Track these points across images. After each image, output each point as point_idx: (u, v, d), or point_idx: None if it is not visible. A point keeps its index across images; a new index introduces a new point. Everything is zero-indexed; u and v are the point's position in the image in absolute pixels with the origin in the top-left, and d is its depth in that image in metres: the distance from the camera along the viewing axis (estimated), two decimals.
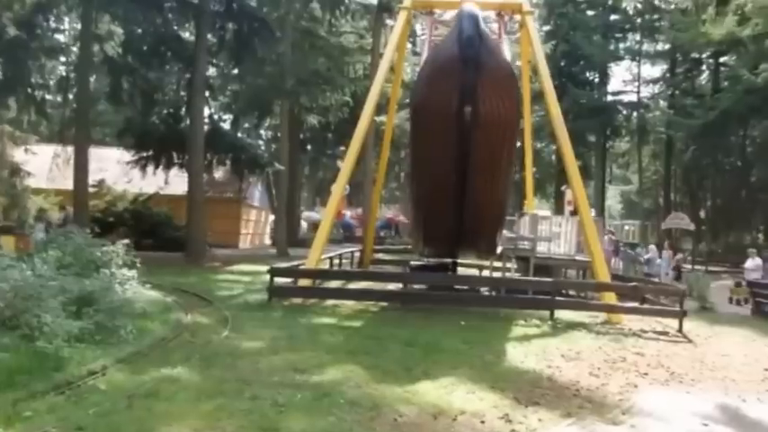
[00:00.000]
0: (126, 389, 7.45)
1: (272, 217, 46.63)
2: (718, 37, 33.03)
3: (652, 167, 55.01)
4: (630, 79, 52.06)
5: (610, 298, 15.42)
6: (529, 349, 11.37)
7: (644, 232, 49.01)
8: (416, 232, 19.27)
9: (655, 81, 51.18)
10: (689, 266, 30.60)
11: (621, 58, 49.91)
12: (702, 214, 50.16)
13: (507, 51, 24.34)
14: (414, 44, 37.49)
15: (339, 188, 18.18)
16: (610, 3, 48.26)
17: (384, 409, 7.31)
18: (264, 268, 22.96)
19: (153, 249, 24.48)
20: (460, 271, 20.87)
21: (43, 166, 31.61)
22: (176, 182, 31.06)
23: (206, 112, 28.26)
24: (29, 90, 26.91)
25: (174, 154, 28.65)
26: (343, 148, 52.48)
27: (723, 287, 24.17)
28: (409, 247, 40.12)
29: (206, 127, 27.07)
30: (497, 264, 22.20)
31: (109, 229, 24.65)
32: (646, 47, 49.90)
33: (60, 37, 33.63)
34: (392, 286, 17.45)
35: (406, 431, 6.77)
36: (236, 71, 32.51)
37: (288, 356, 9.58)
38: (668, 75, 49.38)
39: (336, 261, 22.67)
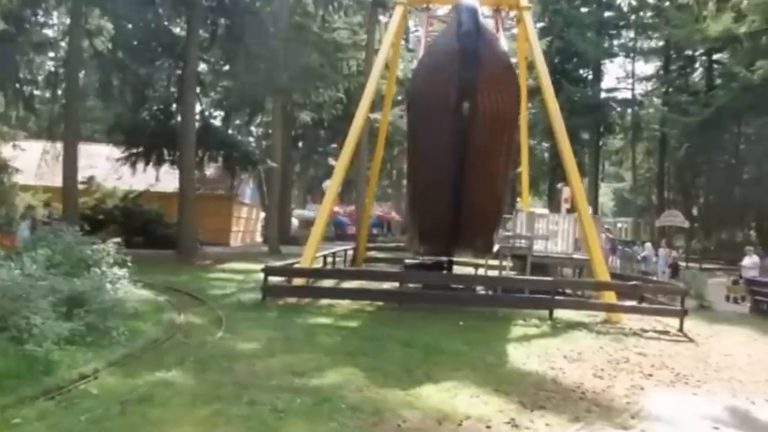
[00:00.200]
0: (119, 393, 7.16)
1: (262, 214, 46.37)
2: (714, 33, 32.91)
3: (645, 165, 54.97)
4: (624, 76, 52.13)
5: (609, 297, 15.23)
6: (530, 350, 11.15)
7: (637, 229, 49.01)
8: (412, 230, 18.98)
9: (648, 78, 51.17)
10: (683, 264, 30.41)
11: (615, 55, 49.87)
12: (695, 212, 50.11)
13: (504, 47, 24.20)
14: (407, 41, 37.29)
15: (334, 186, 17.92)
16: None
17: (387, 415, 7.06)
18: (257, 266, 22.75)
19: (143, 247, 24.17)
20: (456, 269, 20.63)
21: (32, 162, 31.11)
22: (167, 179, 30.72)
23: (197, 108, 27.90)
24: (17, 85, 26.45)
25: (165, 151, 28.29)
26: (335, 146, 52.30)
27: (719, 285, 24.08)
28: (401, 244, 40.01)
29: (197, 123, 26.72)
30: (492, 262, 22.08)
31: (99, 226, 24.29)
32: (639, 44, 49.85)
33: (49, 32, 33.14)
34: (387, 285, 17.21)
35: None
36: (227, 67, 32.06)
37: (285, 358, 9.32)
38: (662, 72, 49.32)
39: (330, 259, 22.43)
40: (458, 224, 15.21)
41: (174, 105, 29.47)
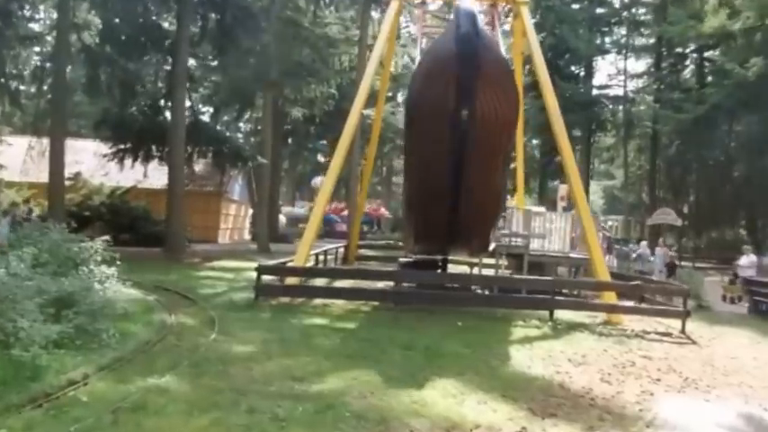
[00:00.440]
0: (110, 401, 6.77)
1: (251, 211, 45.90)
2: (709, 30, 32.77)
3: (637, 162, 54.91)
4: (615, 73, 52.06)
5: (610, 297, 14.96)
6: (533, 353, 10.86)
7: (627, 227, 48.92)
8: (409, 229, 18.74)
9: (640, 75, 51.11)
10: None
11: (607, 52, 49.73)
12: (685, 209, 50.08)
13: (500, 43, 23.92)
14: (398, 37, 36.90)
15: (329, 184, 17.53)
16: None
17: (393, 423, 6.74)
18: (246, 264, 22.52)
19: (131, 245, 23.64)
20: (450, 268, 20.31)
21: (17, 158, 30.66)
22: (155, 175, 30.25)
23: (186, 103, 27.42)
24: (2, 80, 25.94)
25: (154, 146, 27.80)
26: (324, 142, 51.94)
27: (713, 284, 23.94)
28: (391, 241, 39.88)
29: (187, 119, 26.24)
30: (487, 261, 21.79)
31: (85, 223, 23.84)
32: (631, 41, 49.74)
33: (35, 26, 32.58)
34: (381, 284, 16.88)
35: None
36: (217, 62, 31.59)
37: (283, 362, 8.96)
38: (653, 69, 49.25)
39: (322, 258, 22.07)
40: (455, 225, 14.92)
41: (163, 101, 28.99)
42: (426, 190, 14.95)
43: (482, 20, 20.55)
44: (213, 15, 26.45)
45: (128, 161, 28.51)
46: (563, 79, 44.41)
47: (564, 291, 17.16)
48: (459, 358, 9.98)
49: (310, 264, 18.50)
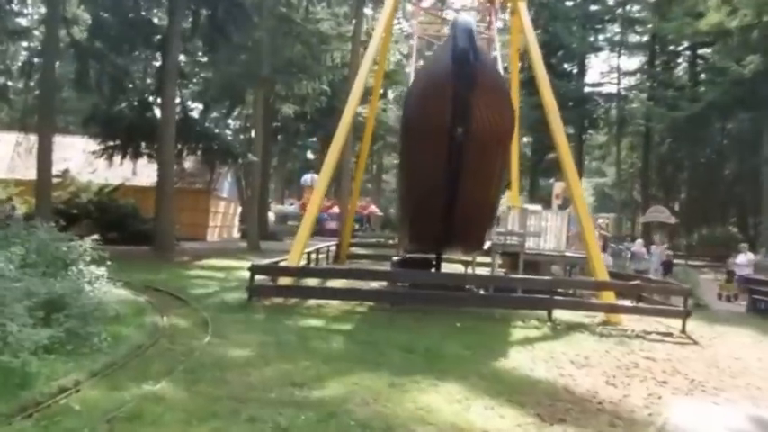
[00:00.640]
0: (104, 409, 6.48)
1: (240, 209, 45.49)
2: (706, 27, 32.68)
3: (629, 160, 54.92)
4: (608, 71, 52.00)
5: (609, 297, 14.77)
6: (535, 354, 10.65)
7: (618, 225, 48.92)
8: (403, 229, 18.58)
9: (632, 73, 51.08)
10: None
11: (601, 49, 49.62)
12: (676, 207, 50.18)
13: (496, 40, 23.71)
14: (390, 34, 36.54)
15: (323, 182, 17.21)
16: None
17: (399, 431, 6.48)
18: (237, 263, 22.25)
19: (119, 243, 23.18)
20: (444, 266, 20.03)
21: (4, 155, 30.18)
22: (143, 172, 29.88)
23: (176, 99, 27.04)
24: None
25: (143, 143, 27.41)
26: (314, 139, 51.61)
27: (708, 282, 23.90)
28: (382, 239, 39.61)
29: (177, 115, 25.85)
30: (480, 259, 21.59)
31: (73, 221, 23.35)
32: (625, 38, 49.66)
33: (23, 20, 32.08)
34: (374, 284, 16.62)
35: None
36: (208, 58, 31.21)
37: (281, 367, 8.68)
38: (646, 66, 49.23)
39: (314, 256, 21.79)
40: (450, 228, 14.83)
41: (153, 97, 28.59)
42: (422, 196, 14.82)
43: (479, 27, 20.62)
44: (205, 11, 26.04)
45: (116, 158, 28.13)
46: (556, 76, 44.17)
47: (559, 290, 16.98)
48: (460, 361, 9.75)
49: (303, 263, 18.22)
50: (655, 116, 41.55)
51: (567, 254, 18.32)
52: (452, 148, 12.95)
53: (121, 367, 8.08)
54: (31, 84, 26.94)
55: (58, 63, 25.97)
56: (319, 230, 41.60)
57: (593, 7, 47.71)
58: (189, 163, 31.84)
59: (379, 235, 43.41)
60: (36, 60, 26.16)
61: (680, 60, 49.86)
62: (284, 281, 14.96)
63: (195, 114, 38.36)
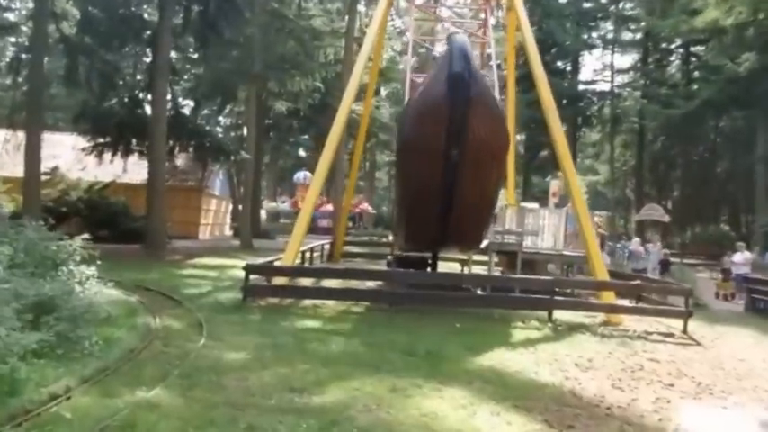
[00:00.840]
0: (96, 417, 6.18)
1: (231, 207, 45.11)
2: (701, 25, 32.53)
3: (622, 158, 54.84)
4: (602, 68, 51.92)
5: (609, 297, 14.55)
6: (538, 356, 10.41)
7: (612, 223, 48.78)
8: (398, 229, 18.45)
9: (626, 71, 51.00)
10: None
11: (594, 47, 49.45)
12: (669, 205, 50.15)
13: (490, 37, 23.51)
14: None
15: (318, 181, 16.90)
16: None
17: None
18: (229, 262, 21.96)
19: (109, 241, 22.80)
20: (440, 264, 19.78)
21: None
22: (134, 170, 29.49)
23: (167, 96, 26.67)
24: None
25: (134, 140, 27.03)
26: (306, 137, 51.24)
27: (704, 280, 23.77)
28: (375, 237, 39.33)
29: (168, 112, 25.49)
30: (476, 258, 21.36)
31: (62, 219, 22.92)
32: (618, 35, 49.54)
33: (11, 15, 31.61)
34: (370, 284, 16.37)
35: None
36: (200, 54, 30.80)
37: (279, 371, 8.40)
38: (639, 64, 49.14)
39: (308, 255, 21.51)
40: (447, 228, 14.81)
41: (143, 93, 28.21)
42: (418, 204, 14.99)
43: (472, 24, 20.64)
44: (196, 6, 25.69)
45: (107, 155, 27.74)
46: (550, 74, 43.80)
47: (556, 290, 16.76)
48: (463, 364, 9.51)
49: (297, 262, 17.91)
50: (649, 114, 41.44)
51: (565, 253, 18.10)
52: (448, 168, 13.29)
53: (114, 372, 7.79)
54: (20, 80, 26.52)
55: (46, 59, 25.56)
56: (312, 228, 41.34)
57: (587, 4, 47.52)
58: (180, 160, 31.46)
59: (371, 233, 43.10)
60: (24, 56, 25.69)
61: (673, 58, 49.77)
62: (279, 280, 14.66)
63: (187, 111, 38.01)
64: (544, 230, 18.72)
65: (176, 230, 29.10)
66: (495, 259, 18.97)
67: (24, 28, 27.91)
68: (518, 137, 49.62)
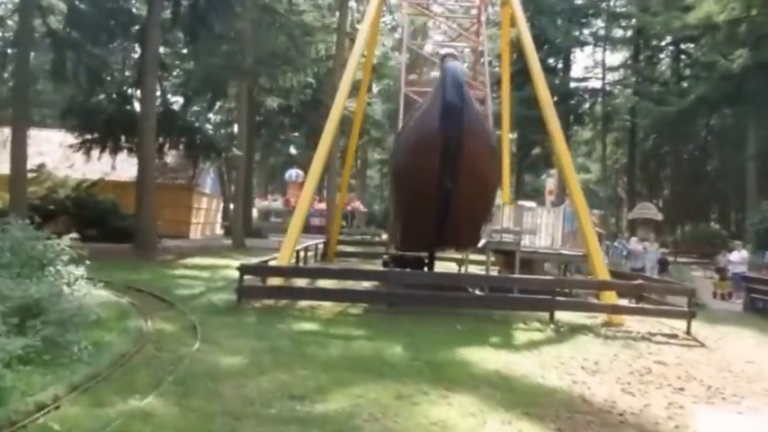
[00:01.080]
0: (86, 429, 5.87)
1: (222, 205, 44.62)
2: (694, 21, 32.39)
3: (614, 156, 54.71)
4: (593, 65, 51.67)
5: (610, 297, 14.27)
6: (543, 359, 10.11)
7: (604, 222, 48.67)
8: (394, 229, 18.25)
9: (616, 68, 50.84)
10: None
11: (586, 44, 49.21)
12: (660, 204, 50.08)
13: (484, 36, 23.20)
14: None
15: (313, 179, 16.50)
16: None
17: None
18: (222, 262, 21.56)
19: (98, 240, 22.43)
20: (436, 263, 19.48)
21: None
22: (123, 167, 29.03)
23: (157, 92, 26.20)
24: None
25: (123, 137, 26.55)
26: (297, 134, 50.76)
27: (700, 279, 23.59)
28: (368, 236, 38.98)
29: (157, 108, 25.03)
30: (472, 257, 21.08)
31: (49, 218, 22.48)
32: (610, 32, 49.37)
33: None
34: (366, 284, 16.02)
35: None
36: (190, 49, 30.32)
37: (278, 377, 8.05)
38: (630, 61, 49.01)
39: (302, 254, 21.11)
40: (443, 230, 14.86)
41: (132, 89, 27.74)
42: (414, 212, 15.17)
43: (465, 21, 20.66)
44: (185, 0, 25.22)
45: (95, 152, 27.25)
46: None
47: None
48: (468, 368, 9.18)
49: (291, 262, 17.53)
50: (641, 111, 41.29)
51: (563, 252, 17.83)
52: (442, 195, 13.67)
53: (105, 379, 7.42)
54: (5, 75, 26.02)
55: (33, 53, 25.08)
56: (305, 227, 40.91)
57: (578, 1, 47.20)
58: (170, 157, 31.01)
59: (364, 231, 42.75)
60: (10, 50, 25.24)
61: (663, 56, 49.68)
62: (274, 281, 14.28)
63: (176, 107, 37.50)
64: (541, 229, 18.47)
65: (167, 229, 28.64)
66: (492, 258, 18.69)
67: (10, 22, 27.32)
68: (510, 135, 49.43)
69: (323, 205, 36.72)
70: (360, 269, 17.29)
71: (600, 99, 48.55)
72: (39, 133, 29.35)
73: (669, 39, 45.84)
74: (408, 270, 16.31)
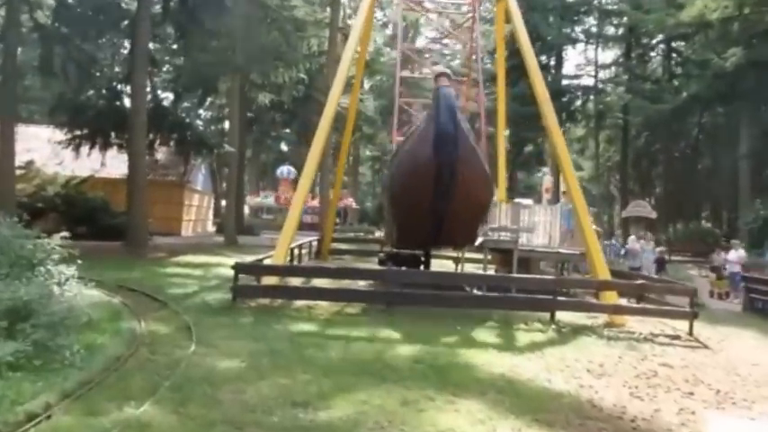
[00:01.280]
0: None
1: (214, 202, 44.21)
2: (687, 19, 32.27)
3: (606, 154, 54.64)
4: (585, 63, 51.52)
5: (611, 297, 14.06)
6: (547, 362, 9.87)
7: (596, 219, 48.63)
8: (390, 230, 18.29)
9: (608, 66, 50.72)
10: None
11: (577, 41, 49.05)
12: (652, 202, 50.04)
13: (478, 32, 22.96)
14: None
15: (308, 176, 16.19)
16: None
17: None
18: (215, 259, 21.26)
19: (88, 238, 22.02)
20: (432, 261, 19.23)
21: None
22: (113, 164, 28.60)
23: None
24: None
25: (113, 133, 26.13)
26: (288, 131, 50.37)
27: (696, 278, 23.47)
28: (361, 234, 38.68)
29: (148, 104, 24.64)
30: (468, 255, 20.85)
31: (38, 215, 22.08)
32: (602, 30, 49.24)
33: None
34: (362, 283, 15.74)
35: None
36: (179, 44, 29.90)
37: (278, 381, 7.77)
38: (622, 59, 48.92)
39: (296, 252, 20.84)
40: (439, 231, 15.07)
41: (122, 84, 27.29)
42: (408, 216, 15.58)
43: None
44: None
45: (84, 149, 26.82)
46: None
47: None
48: (473, 372, 8.92)
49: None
50: (634, 109, 41.20)
51: (561, 250, 17.62)
52: (437, 214, 14.36)
53: (98, 385, 7.13)
54: None
55: (20, 48, 24.63)
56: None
57: None
58: (161, 154, 30.62)
59: (357, 229, 42.47)
60: None
61: (654, 54, 49.62)
62: (269, 280, 13.98)
63: (167, 103, 37.03)
64: (537, 227, 18.28)
65: (158, 227, 28.28)
66: (489, 257, 18.46)
67: None
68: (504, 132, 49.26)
69: (315, 202, 36.39)
70: (357, 268, 16.96)
71: (592, 96, 48.43)
72: (26, 129, 28.98)
73: (660, 37, 45.78)
74: (407, 269, 16.05)
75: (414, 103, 25.04)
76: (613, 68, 51.28)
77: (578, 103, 49.53)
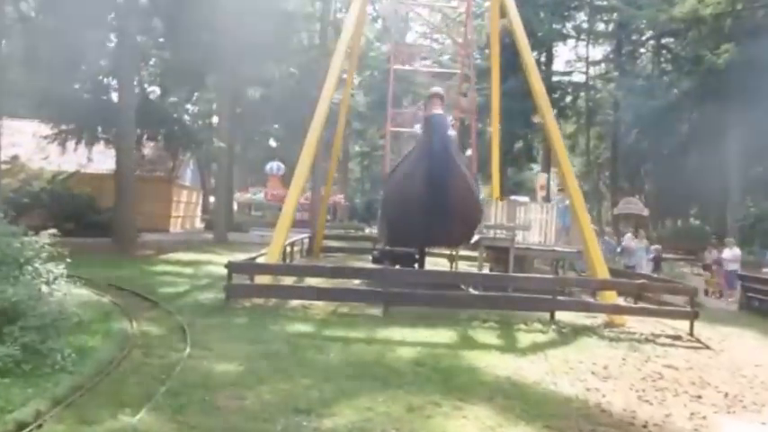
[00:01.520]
0: None
1: (202, 198, 43.73)
2: (680, 15, 32.17)
3: (596, 150, 54.57)
4: (575, 59, 51.40)
5: (611, 297, 13.87)
6: (551, 364, 9.64)
7: (592, 217, 48.56)
8: (384, 227, 18.22)
9: (598, 62, 50.64)
10: None
11: (568, 37, 48.86)
12: (642, 199, 50.01)
13: (471, 26, 22.73)
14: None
15: (302, 174, 15.84)
16: None
17: None
18: (205, 257, 20.94)
19: (75, 235, 21.57)
20: (426, 259, 18.98)
21: None
22: (99, 159, 28.10)
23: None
24: None
25: (99, 128, 25.65)
26: (276, 126, 49.94)
27: (689, 276, 23.37)
28: (352, 231, 38.43)
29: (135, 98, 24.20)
30: (463, 252, 20.68)
31: (23, 211, 21.66)
32: (592, 26, 49.12)
33: None
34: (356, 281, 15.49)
35: None
36: (168, 38, 29.38)
37: (278, 386, 7.49)
38: (612, 56, 48.84)
39: (288, 250, 20.53)
40: (435, 230, 15.60)
41: (108, 78, 26.79)
42: (403, 216, 16.22)
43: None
44: None
45: (70, 144, 26.29)
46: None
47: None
48: (477, 375, 8.67)
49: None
50: (624, 105, 41.10)
51: (557, 249, 17.43)
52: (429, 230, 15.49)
53: (91, 391, 6.83)
54: None
55: (4, 41, 24.12)
56: None
57: None
58: (149, 149, 30.16)
59: (347, 226, 42.18)
60: None
61: (644, 50, 49.59)
62: (263, 279, 13.67)
63: (154, 98, 36.48)
64: (532, 225, 18.09)
65: (146, 223, 27.82)
66: (484, 255, 18.27)
67: None
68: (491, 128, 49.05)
69: (305, 199, 36.03)
70: (354, 267, 16.71)
71: (583, 93, 48.32)
72: (11, 124, 28.38)
73: (650, 33, 45.72)
74: (405, 268, 15.83)
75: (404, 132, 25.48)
76: (603, 65, 51.15)
77: (569, 99, 49.38)
